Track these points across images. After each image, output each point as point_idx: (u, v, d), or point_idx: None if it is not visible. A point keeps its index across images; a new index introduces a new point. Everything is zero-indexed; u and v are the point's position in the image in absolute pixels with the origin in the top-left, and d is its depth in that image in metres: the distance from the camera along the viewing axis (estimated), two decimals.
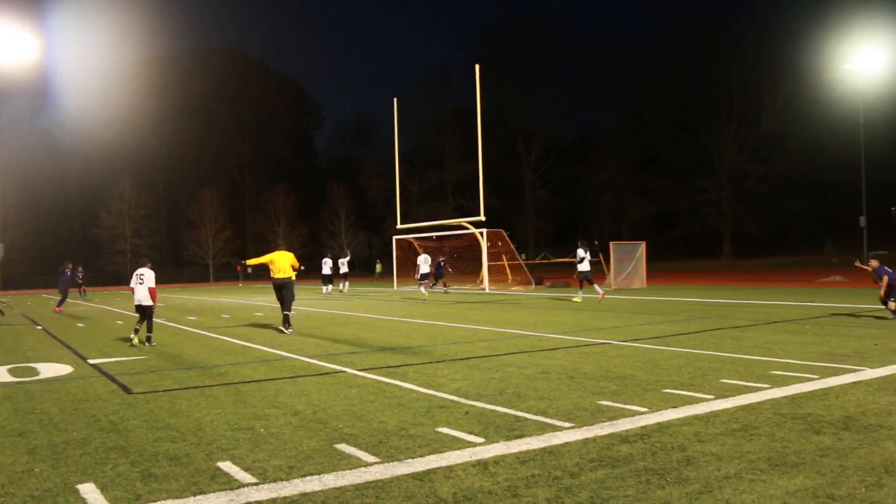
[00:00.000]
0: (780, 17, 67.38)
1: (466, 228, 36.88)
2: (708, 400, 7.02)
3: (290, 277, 15.36)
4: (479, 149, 34.21)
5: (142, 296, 13.01)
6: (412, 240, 41.02)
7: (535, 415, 6.58)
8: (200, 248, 76.32)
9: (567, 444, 5.56)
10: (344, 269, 35.19)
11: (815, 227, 68.52)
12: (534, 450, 5.41)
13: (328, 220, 79.63)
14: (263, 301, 28.09)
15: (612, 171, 79.48)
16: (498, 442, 5.67)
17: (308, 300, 27.55)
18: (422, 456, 5.33)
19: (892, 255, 29.73)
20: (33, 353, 12.51)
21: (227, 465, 5.21)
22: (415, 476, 4.85)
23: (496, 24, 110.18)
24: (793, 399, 6.97)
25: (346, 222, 79.37)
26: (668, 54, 76.62)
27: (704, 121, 70.21)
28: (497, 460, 5.16)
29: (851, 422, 6.03)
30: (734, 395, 7.17)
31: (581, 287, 22.99)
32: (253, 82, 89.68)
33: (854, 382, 7.75)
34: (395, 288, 38.71)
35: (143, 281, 13.05)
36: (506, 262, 37.84)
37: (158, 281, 13.78)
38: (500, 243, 37.35)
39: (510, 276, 37.55)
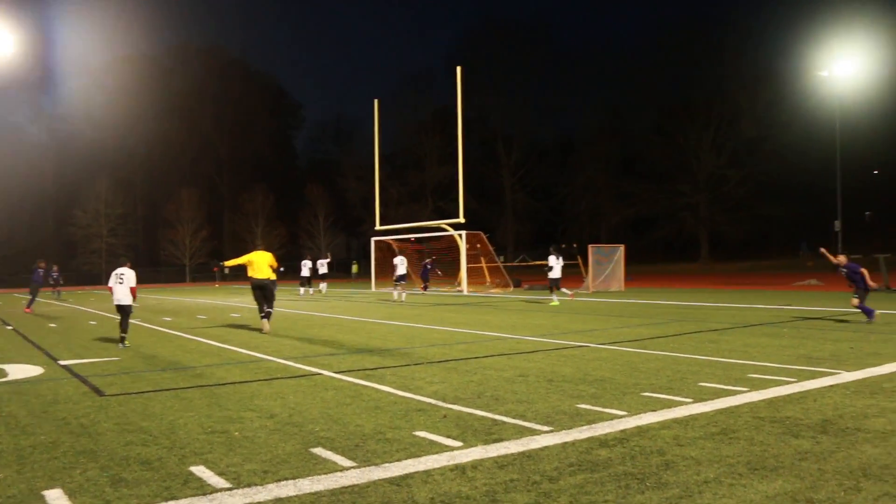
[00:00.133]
0: (758, 24, 68.14)
1: (445, 230, 36.85)
2: (686, 403, 7.00)
3: (268, 278, 15.31)
4: (460, 151, 34.20)
5: (121, 295, 12.93)
6: (391, 241, 40.92)
7: (514, 418, 6.53)
8: (177, 248, 75.70)
9: (546, 448, 5.51)
10: (323, 269, 35.30)
11: (791, 230, 69.29)
12: (512, 454, 5.35)
13: (307, 221, 79.29)
14: (240, 302, 27.87)
15: (591, 174, 79.89)
16: (476, 446, 5.61)
17: (286, 301, 27.35)
18: (399, 460, 5.25)
19: (866, 258, 30.01)
20: (2, 354, 12.29)
21: (200, 470, 5.11)
22: (392, 481, 4.77)
23: (477, 26, 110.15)
24: (771, 402, 6.96)
25: (325, 223, 79.08)
26: (647, 59, 77.19)
27: (683, 125, 70.66)
28: (475, 465, 5.09)
29: (829, 425, 6.03)
30: (713, 399, 7.16)
31: (552, 291, 23.21)
32: (232, 82, 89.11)
33: (831, 386, 7.77)
34: (374, 289, 38.58)
35: (123, 281, 12.98)
36: (484, 265, 37.85)
37: None
38: (478, 245, 37.34)
39: (488, 279, 37.55)
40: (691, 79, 71.80)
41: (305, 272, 34.17)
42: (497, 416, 6.61)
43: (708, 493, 4.39)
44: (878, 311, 14.74)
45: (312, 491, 4.59)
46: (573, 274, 38.81)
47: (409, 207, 76.09)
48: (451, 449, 5.54)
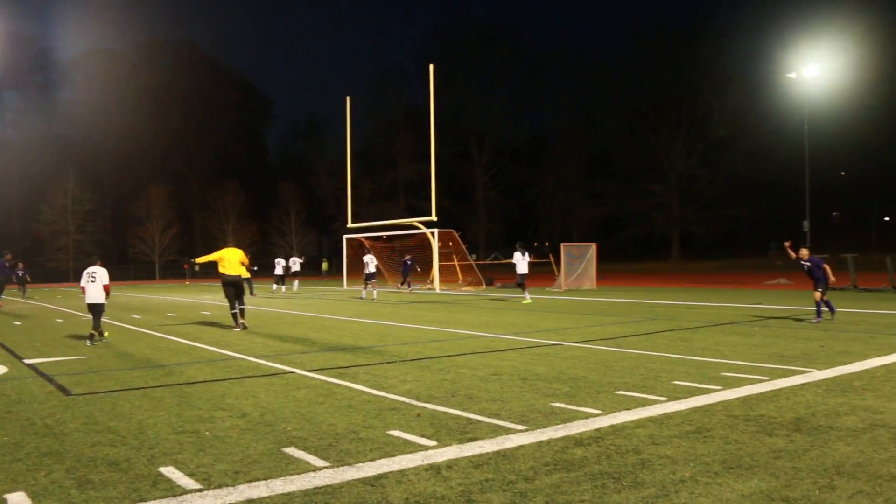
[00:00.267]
0: (729, 27, 68.95)
1: (418, 228, 36.76)
2: (661, 402, 7.00)
3: (240, 275, 15.27)
4: (432, 149, 34.14)
5: (95, 294, 12.81)
6: (363, 239, 40.76)
7: (488, 417, 6.48)
8: (147, 245, 74.88)
9: (521, 447, 5.47)
10: (295, 268, 35.82)
11: (760, 230, 70.14)
12: (487, 453, 5.30)
13: (278, 218, 78.81)
14: (211, 299, 27.59)
15: (563, 173, 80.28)
16: (450, 445, 5.55)
17: (257, 299, 27.12)
18: (373, 460, 5.18)
19: (834, 258, 30.38)
20: None
21: (169, 471, 5.00)
22: (366, 481, 4.70)
23: (451, 25, 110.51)
24: (744, 401, 6.99)
25: (297, 221, 78.66)
26: (619, 59, 77.93)
27: (655, 125, 71.25)
28: (450, 464, 5.04)
29: (802, 423, 6.06)
30: (686, 397, 7.17)
31: (524, 288, 23.18)
32: (202, 78, 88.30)
33: (803, 384, 7.81)
34: (346, 287, 38.40)
35: (96, 279, 12.85)
36: (457, 263, 37.80)
37: None
38: (451, 244, 37.29)
39: (461, 277, 37.51)
40: (663, 79, 72.48)
41: (279, 270, 34.30)
42: (471, 415, 6.56)
43: (684, 492, 4.37)
44: (838, 310, 14.91)
45: (285, 491, 4.51)
46: (547, 272, 38.98)
47: (381, 205, 75.94)
48: (426, 448, 5.47)
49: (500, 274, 43.29)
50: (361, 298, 26.80)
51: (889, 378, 8.10)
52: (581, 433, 5.85)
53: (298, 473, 4.89)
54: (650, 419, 6.30)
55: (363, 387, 8.09)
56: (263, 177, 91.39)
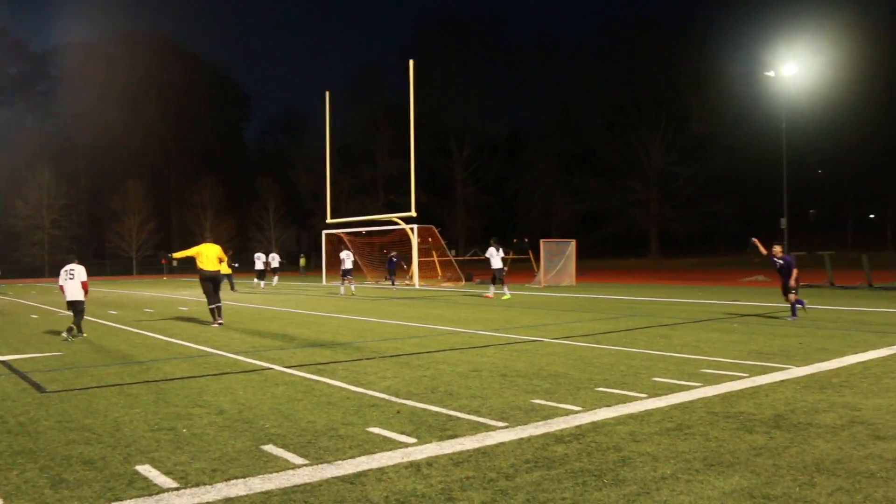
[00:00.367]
0: (709, 25, 69.28)
1: (397, 224, 36.69)
2: (641, 399, 7.00)
3: (218, 270, 15.27)
4: (412, 145, 34.04)
5: (74, 291, 12.79)
6: (342, 235, 40.62)
7: (468, 414, 6.45)
8: (123, 240, 74.23)
9: (501, 444, 5.44)
10: (275, 264, 35.79)
11: (738, 227, 70.62)
12: (467, 450, 5.27)
13: (257, 213, 78.40)
14: (188, 295, 27.37)
15: (542, 169, 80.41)
16: (430, 442, 5.51)
17: (235, 294, 26.93)
18: (352, 457, 5.13)
19: (811, 255, 30.68)
20: None
21: (146, 469, 4.92)
22: (345, 479, 4.65)
23: (430, 21, 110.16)
24: (724, 398, 7.00)
25: (275, 216, 78.28)
26: (599, 57, 78.08)
27: (634, 122, 71.50)
28: (430, 461, 5.00)
29: (782, 420, 6.07)
30: (667, 394, 7.17)
31: (503, 284, 23.19)
32: (180, 71, 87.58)
33: (782, 381, 7.84)
34: (325, 283, 38.25)
35: (74, 276, 12.78)
36: (436, 259, 37.77)
37: None
38: (430, 239, 37.27)
39: (440, 273, 37.50)
40: (642, 77, 72.72)
41: (259, 266, 34.24)
42: (451, 412, 6.52)
43: (665, 489, 4.36)
44: (815, 307, 15.00)
45: (263, 490, 4.45)
46: (526, 269, 39.03)
47: (361, 201, 75.64)
48: (406, 445, 5.43)
49: (480, 270, 43.30)
50: (340, 294, 26.79)
51: (866, 375, 8.15)
52: (561, 430, 5.83)
53: (277, 471, 4.83)
54: (631, 416, 6.29)
55: (342, 383, 8.03)
56: (242, 172, 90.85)
